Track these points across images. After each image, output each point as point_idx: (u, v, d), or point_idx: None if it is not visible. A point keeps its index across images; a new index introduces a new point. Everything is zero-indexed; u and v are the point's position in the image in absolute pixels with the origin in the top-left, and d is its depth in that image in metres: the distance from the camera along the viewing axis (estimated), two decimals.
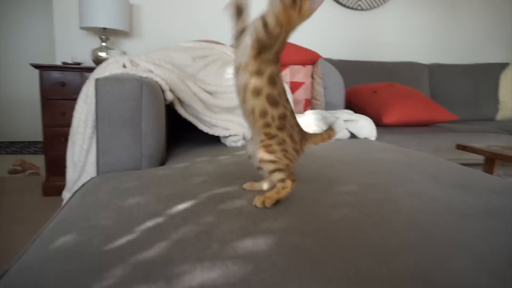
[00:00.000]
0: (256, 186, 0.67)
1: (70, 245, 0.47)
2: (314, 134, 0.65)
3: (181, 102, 1.15)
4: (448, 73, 2.65)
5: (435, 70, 2.66)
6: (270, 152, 0.57)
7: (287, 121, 0.58)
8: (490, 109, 2.62)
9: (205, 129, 1.18)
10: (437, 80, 2.64)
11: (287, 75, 1.70)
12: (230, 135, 1.20)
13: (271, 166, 0.57)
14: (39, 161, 2.77)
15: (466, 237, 0.48)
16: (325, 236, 0.48)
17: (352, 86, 2.27)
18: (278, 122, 0.57)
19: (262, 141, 0.57)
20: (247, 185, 0.67)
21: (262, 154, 0.57)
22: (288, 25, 0.54)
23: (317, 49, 2.67)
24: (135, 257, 0.42)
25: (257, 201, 0.57)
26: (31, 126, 3.66)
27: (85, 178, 1.05)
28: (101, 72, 1.05)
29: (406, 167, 0.89)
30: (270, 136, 0.57)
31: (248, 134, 1.21)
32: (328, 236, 0.47)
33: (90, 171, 1.03)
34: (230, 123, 1.21)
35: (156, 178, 0.77)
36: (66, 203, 0.73)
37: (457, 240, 0.47)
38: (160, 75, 1.06)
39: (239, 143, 1.22)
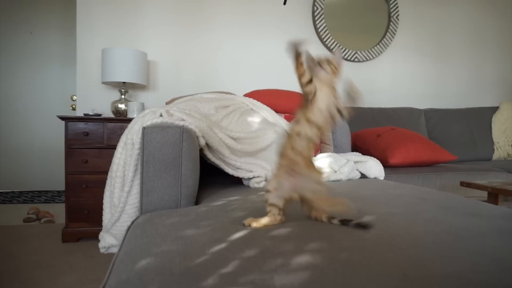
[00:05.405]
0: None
1: (154, 265, 0.56)
2: None
3: (209, 147, 1.26)
4: (443, 117, 2.82)
5: (431, 115, 2.83)
6: None
7: None
8: (486, 150, 2.76)
9: (230, 171, 1.28)
10: (433, 123, 2.80)
11: None
12: (253, 177, 1.30)
13: None
14: (51, 209, 2.82)
15: (485, 248, 0.57)
16: (362, 248, 0.57)
17: (356, 131, 2.41)
18: None
19: None
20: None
21: None
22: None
23: None
24: (217, 270, 0.51)
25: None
26: (41, 175, 3.74)
27: (124, 219, 1.13)
28: (140, 121, 1.18)
29: (420, 200, 0.99)
30: None
31: (270, 176, 1.31)
32: (366, 249, 0.56)
33: (130, 212, 1.11)
34: (253, 166, 1.32)
35: (201, 213, 0.86)
36: (124, 238, 0.81)
37: (478, 251, 0.56)
38: (193, 123, 1.18)
39: (261, 184, 1.31)
